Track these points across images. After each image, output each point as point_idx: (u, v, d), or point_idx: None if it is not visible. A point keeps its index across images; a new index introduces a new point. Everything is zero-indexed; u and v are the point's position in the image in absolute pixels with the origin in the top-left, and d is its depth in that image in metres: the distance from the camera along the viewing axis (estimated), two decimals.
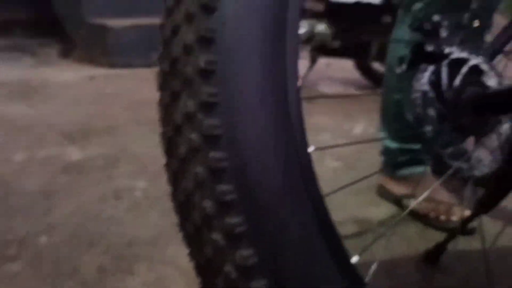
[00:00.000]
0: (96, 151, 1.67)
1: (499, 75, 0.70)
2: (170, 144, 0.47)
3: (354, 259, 0.47)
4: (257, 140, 0.41)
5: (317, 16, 2.68)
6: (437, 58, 0.68)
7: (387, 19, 2.79)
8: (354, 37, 2.85)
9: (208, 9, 0.42)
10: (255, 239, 0.41)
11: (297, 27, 0.43)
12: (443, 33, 0.69)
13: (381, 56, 2.89)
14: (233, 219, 0.41)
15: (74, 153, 1.64)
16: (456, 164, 0.65)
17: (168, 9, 0.49)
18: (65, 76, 2.91)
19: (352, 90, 3.03)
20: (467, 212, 1.07)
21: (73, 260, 1.01)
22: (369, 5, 2.72)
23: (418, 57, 0.68)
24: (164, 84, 0.48)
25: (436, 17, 0.71)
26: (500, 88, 0.65)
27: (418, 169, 1.27)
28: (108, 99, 2.41)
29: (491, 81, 0.69)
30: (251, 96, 0.41)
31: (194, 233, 0.46)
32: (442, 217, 1.19)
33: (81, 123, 1.99)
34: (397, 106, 1.20)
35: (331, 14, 2.67)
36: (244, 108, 0.41)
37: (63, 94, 2.49)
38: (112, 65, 3.18)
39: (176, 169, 0.47)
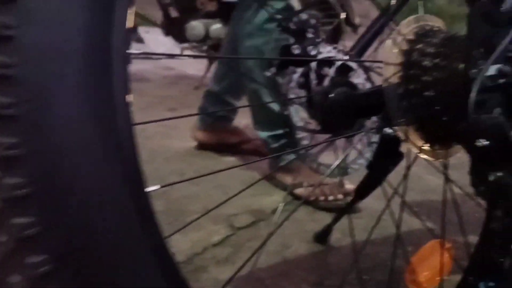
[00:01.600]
0: None
1: (367, 73, 0.71)
2: None
3: None
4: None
5: (210, 15, 2.64)
6: (305, 59, 0.67)
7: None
8: None
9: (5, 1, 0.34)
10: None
11: (124, 31, 0.37)
12: (310, 33, 0.68)
13: None
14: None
15: None
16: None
17: None
18: None
19: None
20: (349, 186, 1.20)
21: None
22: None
23: (286, 61, 0.66)
24: None
25: (303, 16, 0.70)
26: (364, 91, 0.66)
27: (291, 156, 1.32)
28: None
29: (359, 80, 0.70)
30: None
31: None
32: (330, 198, 1.25)
33: None
34: (258, 97, 1.29)
35: (224, 12, 2.65)
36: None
37: None
38: None
39: None
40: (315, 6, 2.85)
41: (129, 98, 0.38)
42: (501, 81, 0.47)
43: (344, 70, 0.70)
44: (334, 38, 2.97)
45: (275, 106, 1.28)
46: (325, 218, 1.20)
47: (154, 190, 0.40)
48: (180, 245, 1.04)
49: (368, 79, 0.69)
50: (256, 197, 1.33)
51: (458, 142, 0.54)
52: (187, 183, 1.31)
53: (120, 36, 0.38)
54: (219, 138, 1.66)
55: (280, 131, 1.33)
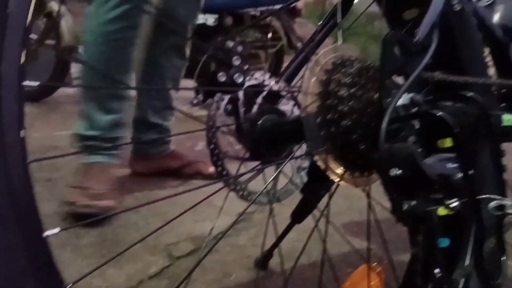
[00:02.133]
0: None
1: (295, 100, 0.72)
2: None
3: None
4: None
5: None
6: (232, 87, 0.66)
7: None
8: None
9: None
10: None
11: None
12: (236, 61, 0.67)
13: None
14: None
15: None
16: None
17: None
18: None
19: None
20: None
21: None
22: (203, 25, 2.76)
23: (213, 90, 0.65)
24: None
25: (229, 44, 0.70)
26: (288, 119, 0.66)
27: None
28: None
29: (287, 107, 0.70)
30: None
31: None
32: None
33: None
34: None
35: None
36: None
37: None
38: None
39: None
40: (259, 29, 2.90)
41: (23, 133, 0.36)
42: (414, 110, 0.48)
43: (273, 97, 0.70)
44: (277, 60, 3.03)
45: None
46: (267, 242, 1.19)
47: (54, 234, 0.37)
48: (114, 279, 0.99)
49: (297, 105, 0.70)
50: (198, 223, 1.30)
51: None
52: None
53: (12, 69, 0.35)
54: (158, 166, 1.61)
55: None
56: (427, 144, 0.54)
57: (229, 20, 2.81)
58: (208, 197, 0.59)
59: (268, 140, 0.64)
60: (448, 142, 0.57)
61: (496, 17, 0.96)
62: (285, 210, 0.84)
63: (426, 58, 0.51)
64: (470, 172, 0.50)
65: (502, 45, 0.91)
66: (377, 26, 5.21)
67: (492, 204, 0.54)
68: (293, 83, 0.76)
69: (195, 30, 2.80)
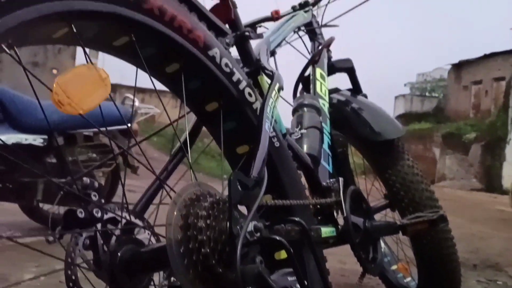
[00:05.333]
0: None
1: (152, 228, 0.77)
2: None
3: None
4: None
5: None
6: (91, 221, 0.69)
7: (50, 159, 2.76)
8: (16, 178, 2.68)
9: None
10: None
11: None
12: (94, 196, 0.72)
13: (47, 197, 2.79)
14: None
15: None
16: None
17: None
18: None
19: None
20: None
21: None
22: (30, 146, 2.64)
23: (71, 223, 0.68)
24: None
25: (86, 180, 0.74)
26: (150, 248, 0.71)
27: None
28: None
29: (143, 236, 0.75)
30: None
31: None
32: None
33: None
34: None
35: None
36: None
37: None
38: None
39: None
40: (94, 149, 2.89)
41: None
42: (257, 235, 0.59)
43: (130, 227, 0.75)
44: (113, 179, 3.01)
45: None
46: None
47: None
48: None
49: (154, 234, 0.75)
50: None
51: None
52: None
53: None
54: None
55: None
56: (268, 258, 0.66)
57: (60, 140, 2.74)
58: None
59: (129, 270, 0.67)
60: (283, 254, 0.70)
61: (304, 148, 1.21)
62: None
63: (262, 192, 0.65)
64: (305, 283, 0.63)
65: (309, 169, 1.14)
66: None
67: None
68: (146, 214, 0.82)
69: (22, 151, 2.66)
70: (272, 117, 0.88)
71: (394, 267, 1.94)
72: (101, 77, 0.61)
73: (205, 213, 0.61)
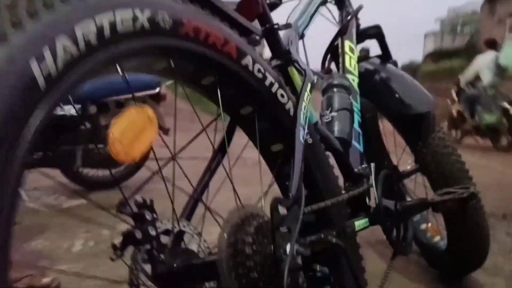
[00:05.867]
0: None
1: (200, 237, 0.84)
2: None
3: None
4: None
5: None
6: (147, 238, 0.76)
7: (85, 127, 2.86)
8: (56, 146, 2.81)
9: None
10: None
11: None
12: (149, 216, 0.78)
13: (86, 162, 2.93)
14: None
15: None
16: None
17: None
18: None
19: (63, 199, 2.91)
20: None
21: None
22: (66, 116, 2.73)
23: (129, 242, 0.75)
24: None
25: (139, 199, 0.80)
26: (201, 261, 0.78)
27: None
28: None
29: (194, 246, 0.83)
30: None
31: None
32: None
33: None
34: None
35: None
36: None
37: None
38: None
39: None
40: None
41: None
42: (300, 261, 0.65)
43: (180, 237, 0.83)
44: None
45: None
46: None
47: None
48: None
49: (204, 242, 0.83)
50: None
51: None
52: None
53: None
54: None
55: None
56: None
57: (93, 109, 2.84)
58: None
59: (183, 280, 0.75)
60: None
61: (335, 132, 1.24)
62: None
63: (301, 214, 0.70)
64: None
65: (340, 154, 1.18)
66: None
67: None
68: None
69: (54, 122, 2.76)
70: (306, 122, 0.92)
71: (423, 226, 2.00)
72: (150, 118, 0.65)
73: (250, 239, 0.67)
